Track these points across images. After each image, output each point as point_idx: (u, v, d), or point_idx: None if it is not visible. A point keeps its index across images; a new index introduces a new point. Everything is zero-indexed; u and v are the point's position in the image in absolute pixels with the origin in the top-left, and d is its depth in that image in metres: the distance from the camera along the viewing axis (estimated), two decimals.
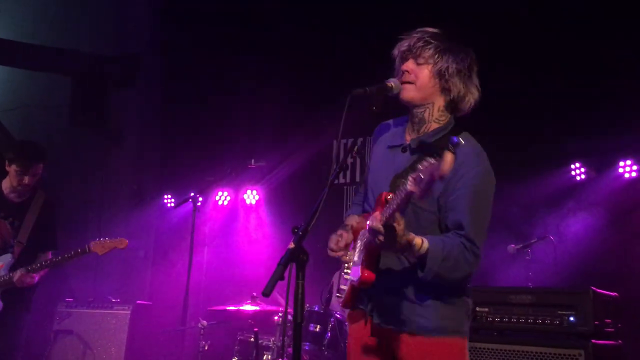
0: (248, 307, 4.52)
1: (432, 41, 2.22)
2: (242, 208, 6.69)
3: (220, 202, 6.76)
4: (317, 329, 4.35)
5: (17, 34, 8.10)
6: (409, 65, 2.25)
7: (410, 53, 2.25)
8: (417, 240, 2.02)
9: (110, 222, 6.82)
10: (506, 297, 3.66)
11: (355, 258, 2.25)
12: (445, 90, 2.24)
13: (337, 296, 2.38)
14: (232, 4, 6.77)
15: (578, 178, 5.11)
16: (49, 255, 4.12)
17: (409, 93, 2.24)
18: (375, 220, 1.98)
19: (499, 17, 5.22)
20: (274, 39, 6.56)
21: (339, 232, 2.35)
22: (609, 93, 4.85)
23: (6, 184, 4.09)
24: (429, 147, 2.20)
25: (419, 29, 2.27)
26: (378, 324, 2.23)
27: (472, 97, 2.26)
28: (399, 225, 1.95)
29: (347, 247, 2.32)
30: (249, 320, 4.40)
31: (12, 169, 4.00)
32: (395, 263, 2.19)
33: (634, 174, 4.85)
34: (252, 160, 5.14)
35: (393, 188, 2.11)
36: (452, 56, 2.21)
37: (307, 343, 4.30)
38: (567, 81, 5.05)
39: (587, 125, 4.90)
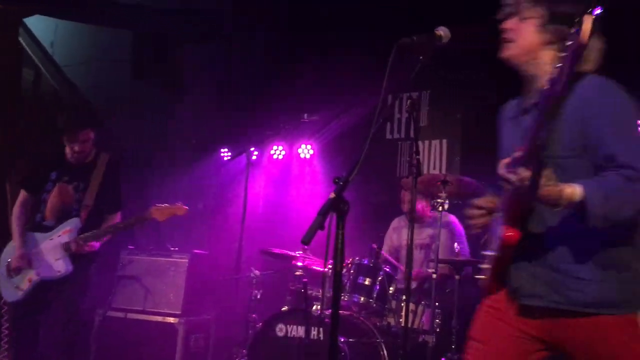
0: (299, 258, 4.61)
1: None
2: (296, 162, 6.74)
3: (275, 156, 6.84)
4: (367, 282, 4.39)
5: None
6: (510, 23, 2.10)
7: (513, 11, 2.09)
8: (567, 188, 1.78)
9: (171, 175, 7.03)
10: None
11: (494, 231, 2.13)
12: (552, 42, 2.02)
13: (481, 278, 2.24)
14: None
15: None
16: (118, 217, 4.22)
17: (507, 51, 2.10)
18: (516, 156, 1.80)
19: None
20: None
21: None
22: None
23: (68, 149, 4.18)
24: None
25: None
26: (523, 302, 1.99)
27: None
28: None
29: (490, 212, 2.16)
30: (300, 272, 4.49)
31: (64, 140, 4.11)
32: (544, 225, 1.94)
33: None
34: (305, 115, 5.13)
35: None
36: (554, 3, 2.02)
37: (356, 295, 4.36)
38: None
39: None
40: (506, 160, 1.84)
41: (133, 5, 7.33)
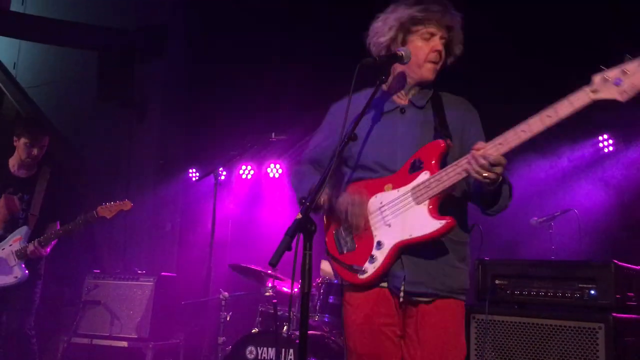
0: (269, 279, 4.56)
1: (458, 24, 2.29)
2: (265, 182, 6.72)
3: (244, 176, 6.80)
4: (337, 301, 4.37)
5: (45, 10, 8.23)
6: (441, 45, 2.29)
7: (449, 32, 2.28)
8: None
9: (137, 196, 6.93)
10: (526, 270, 3.61)
11: (391, 220, 2.18)
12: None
13: (360, 270, 2.26)
14: None
15: (606, 150, 4.98)
16: (57, 225, 4.35)
17: (434, 75, 2.30)
18: (488, 152, 2.00)
19: None
20: (298, 10, 6.50)
21: (347, 199, 2.26)
22: None
23: (14, 160, 4.36)
24: (434, 102, 2.32)
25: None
26: (406, 289, 2.17)
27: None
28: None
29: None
30: (270, 292, 4.44)
31: (21, 142, 4.25)
32: None
33: None
34: (273, 134, 5.11)
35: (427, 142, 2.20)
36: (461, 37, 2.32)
37: (327, 315, 4.33)
38: (596, 49, 4.88)
39: None
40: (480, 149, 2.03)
41: (95, 25, 7.27)
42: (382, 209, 2.22)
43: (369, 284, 2.22)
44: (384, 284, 2.22)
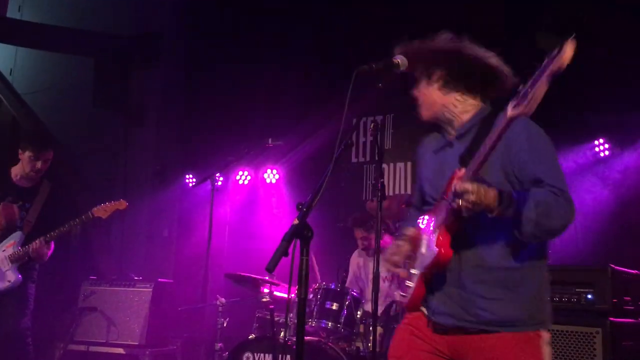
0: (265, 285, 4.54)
1: (425, 62, 2.26)
2: (262, 187, 6.71)
3: (240, 182, 6.80)
4: (334, 307, 4.35)
5: (41, 17, 8.23)
6: (416, 91, 2.31)
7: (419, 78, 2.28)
8: (492, 190, 1.92)
9: (134, 202, 6.90)
10: None
11: (424, 250, 2.19)
12: (450, 90, 2.24)
13: (402, 295, 2.28)
14: None
15: (602, 154, 4.99)
16: (51, 243, 4.27)
17: (423, 114, 2.32)
18: (460, 180, 1.92)
19: None
20: (295, 17, 6.51)
21: (396, 243, 2.33)
22: (637, 68, 4.70)
23: (16, 170, 4.32)
24: (480, 127, 2.17)
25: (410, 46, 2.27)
26: (437, 320, 2.14)
27: (489, 70, 2.20)
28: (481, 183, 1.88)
29: (407, 256, 2.28)
30: (267, 298, 4.43)
31: (25, 155, 4.23)
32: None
33: None
34: (270, 139, 5.12)
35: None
36: (446, 63, 2.22)
37: (324, 320, 4.31)
38: (592, 55, 4.90)
39: (613, 101, 4.76)
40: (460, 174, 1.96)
41: (91, 31, 7.27)
42: (422, 240, 2.25)
43: (409, 309, 2.28)
44: (425, 310, 2.23)
